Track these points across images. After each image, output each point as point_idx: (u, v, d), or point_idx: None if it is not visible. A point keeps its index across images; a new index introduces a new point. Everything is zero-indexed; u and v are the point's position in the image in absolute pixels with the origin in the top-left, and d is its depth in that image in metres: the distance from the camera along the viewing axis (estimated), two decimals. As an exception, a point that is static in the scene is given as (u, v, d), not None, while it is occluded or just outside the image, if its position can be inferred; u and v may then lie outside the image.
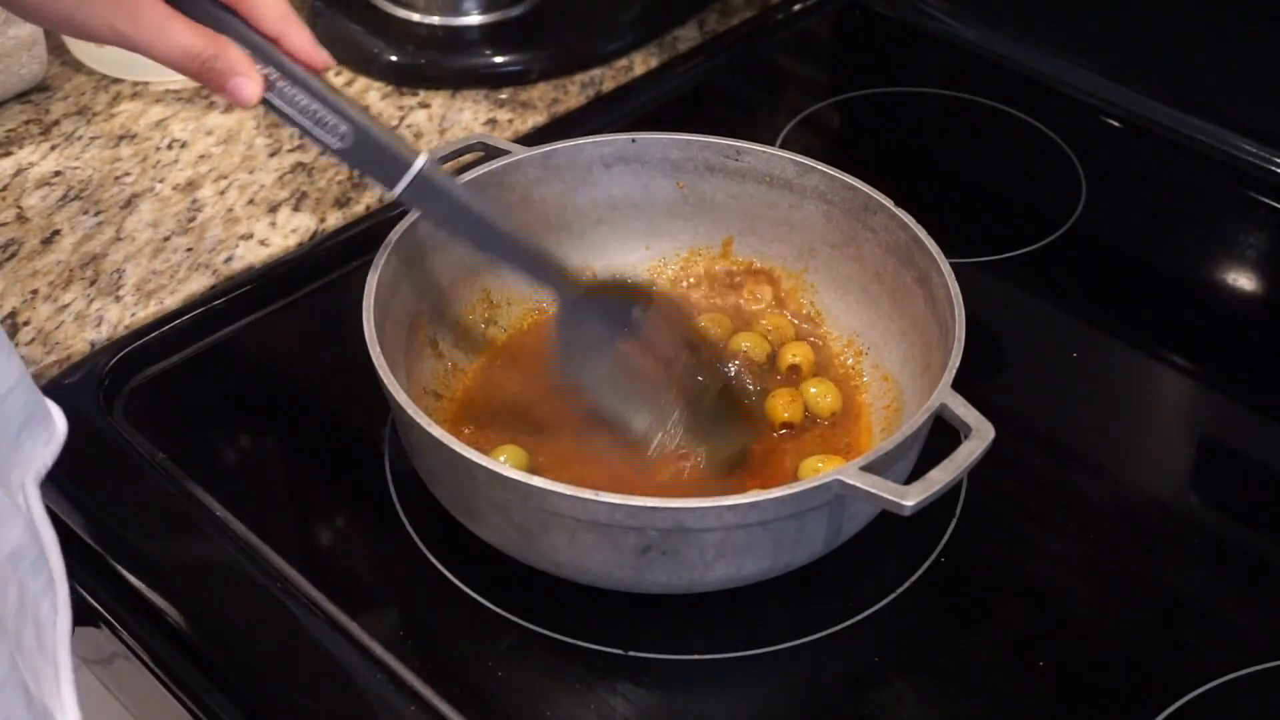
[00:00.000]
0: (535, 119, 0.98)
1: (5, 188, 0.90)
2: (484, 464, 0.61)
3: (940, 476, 0.60)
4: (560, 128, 0.96)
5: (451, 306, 0.77)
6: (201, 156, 0.93)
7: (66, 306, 0.81)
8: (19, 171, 0.91)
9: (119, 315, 0.81)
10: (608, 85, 1.02)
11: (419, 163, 0.67)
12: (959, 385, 0.64)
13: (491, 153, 0.78)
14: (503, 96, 1.00)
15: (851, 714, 0.64)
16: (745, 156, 0.78)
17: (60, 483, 0.66)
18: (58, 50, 1.01)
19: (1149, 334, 0.84)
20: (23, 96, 0.98)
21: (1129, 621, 0.68)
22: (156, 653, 0.65)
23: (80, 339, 0.79)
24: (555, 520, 0.61)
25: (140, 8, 0.62)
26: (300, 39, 0.65)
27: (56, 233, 0.87)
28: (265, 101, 0.65)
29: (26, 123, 0.96)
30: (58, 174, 0.91)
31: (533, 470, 0.66)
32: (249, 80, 0.64)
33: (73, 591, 0.54)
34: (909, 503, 0.59)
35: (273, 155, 0.94)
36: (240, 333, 0.81)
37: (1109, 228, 0.92)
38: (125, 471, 0.72)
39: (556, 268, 0.71)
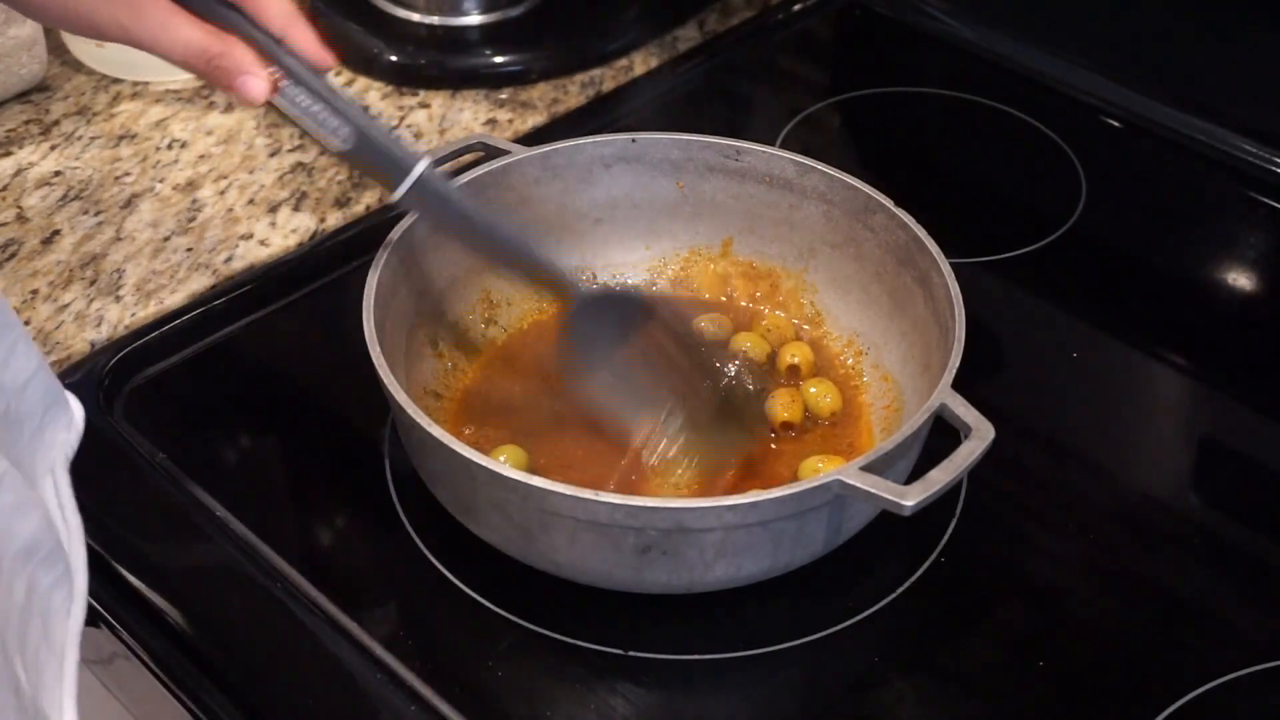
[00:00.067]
0: (535, 119, 0.98)
1: (5, 188, 0.90)
2: (484, 464, 0.61)
3: (940, 476, 0.60)
4: (560, 128, 0.96)
5: (451, 306, 0.77)
6: (201, 156, 0.93)
7: (66, 306, 0.81)
8: (19, 171, 0.91)
9: (119, 315, 0.81)
10: (608, 85, 1.02)
11: (420, 167, 0.67)
12: (959, 385, 0.64)
13: (491, 153, 0.78)
14: (503, 96, 1.00)
15: (851, 714, 0.64)
16: (745, 156, 0.78)
17: (60, 483, 0.66)
18: (58, 50, 1.01)
19: (1149, 334, 0.84)
20: (23, 96, 0.98)
21: (1129, 621, 0.68)
22: (156, 653, 0.65)
23: (80, 339, 0.79)
24: (555, 520, 0.61)
25: (146, 4, 0.62)
26: (306, 38, 0.65)
27: (56, 233, 0.87)
28: (269, 101, 0.65)
29: (26, 123, 0.96)
30: (58, 174, 0.91)
31: (533, 470, 0.66)
32: (256, 78, 0.64)
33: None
34: (909, 503, 0.59)
35: (273, 155, 0.94)
36: (240, 333, 0.81)
37: (1109, 228, 0.92)
38: (125, 471, 0.72)
39: (556, 273, 0.71)
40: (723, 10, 1.10)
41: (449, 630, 0.66)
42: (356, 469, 0.73)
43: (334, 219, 0.88)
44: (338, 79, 1.01)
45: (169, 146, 0.94)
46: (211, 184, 0.91)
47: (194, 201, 0.90)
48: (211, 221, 0.88)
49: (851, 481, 0.60)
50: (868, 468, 0.60)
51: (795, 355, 0.77)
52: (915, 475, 0.60)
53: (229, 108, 0.97)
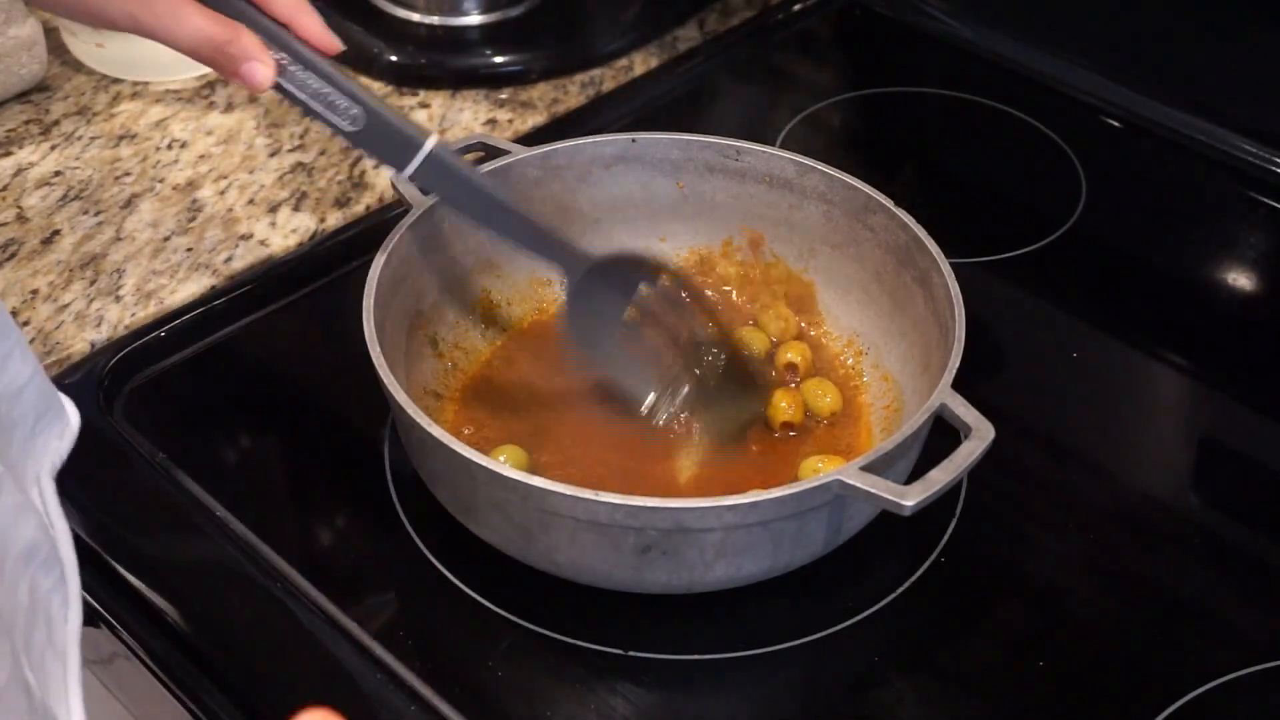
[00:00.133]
0: (535, 119, 0.98)
1: (5, 188, 0.90)
2: (484, 464, 0.61)
3: (940, 476, 0.60)
4: (560, 128, 0.97)
5: (451, 306, 0.77)
6: (201, 156, 0.93)
7: (66, 306, 0.81)
8: (19, 171, 0.91)
9: (119, 315, 0.81)
10: (608, 85, 1.02)
11: (430, 143, 0.68)
12: (959, 385, 0.64)
13: (491, 153, 0.78)
14: (503, 96, 1.00)
15: (851, 714, 0.64)
16: (745, 156, 0.78)
17: (60, 483, 0.66)
18: (58, 50, 1.01)
19: (1149, 334, 0.84)
20: (23, 96, 0.98)
21: (1129, 621, 0.68)
22: (156, 653, 0.65)
23: (80, 339, 0.79)
24: (555, 520, 0.61)
25: None
26: (312, 24, 0.66)
27: (56, 233, 0.87)
28: (277, 85, 0.66)
29: (26, 123, 0.96)
30: (58, 174, 0.91)
31: (533, 470, 0.66)
32: (262, 65, 0.65)
33: (73, 591, 0.54)
34: (909, 503, 0.59)
35: (273, 155, 0.94)
36: (240, 333, 0.81)
37: (1109, 228, 0.92)
38: (125, 471, 0.72)
39: (564, 243, 0.72)
40: (723, 10, 1.10)
41: (449, 630, 0.66)
42: (356, 469, 0.73)
43: (334, 219, 0.88)
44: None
45: (169, 146, 0.94)
46: (211, 184, 0.91)
47: (194, 201, 0.90)
48: (211, 221, 0.88)
49: (851, 481, 0.60)
50: (868, 468, 0.60)
51: (793, 354, 0.77)
52: (915, 475, 0.61)
53: (229, 108, 0.97)
